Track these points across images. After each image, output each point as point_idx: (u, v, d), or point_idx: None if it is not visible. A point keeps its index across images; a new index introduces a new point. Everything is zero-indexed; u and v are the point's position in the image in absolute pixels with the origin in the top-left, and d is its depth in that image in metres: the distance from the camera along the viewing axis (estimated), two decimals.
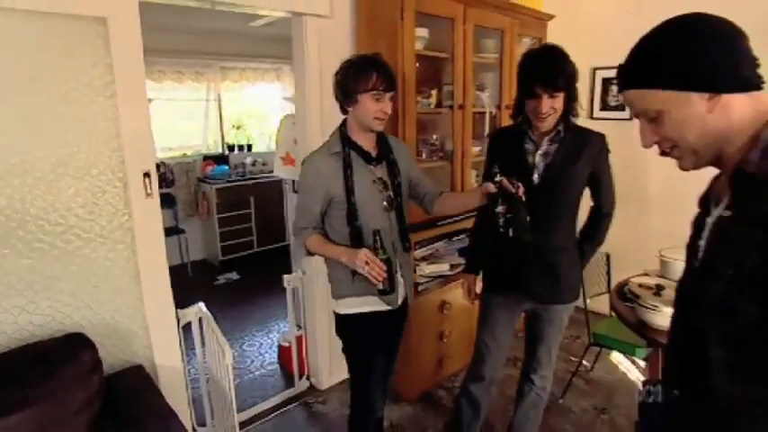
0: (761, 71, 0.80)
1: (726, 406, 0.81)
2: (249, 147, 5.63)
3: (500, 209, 1.54)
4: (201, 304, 2.21)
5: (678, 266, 2.30)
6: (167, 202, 4.66)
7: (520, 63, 1.76)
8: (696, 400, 0.86)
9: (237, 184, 5.04)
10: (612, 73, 3.63)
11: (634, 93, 0.87)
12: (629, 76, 0.87)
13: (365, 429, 1.92)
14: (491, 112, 2.95)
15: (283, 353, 3.10)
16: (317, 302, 2.70)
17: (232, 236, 5.01)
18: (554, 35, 3.34)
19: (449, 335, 2.79)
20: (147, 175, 1.92)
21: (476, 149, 2.92)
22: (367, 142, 1.73)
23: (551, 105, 1.65)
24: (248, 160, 5.36)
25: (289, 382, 2.91)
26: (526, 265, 1.81)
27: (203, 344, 2.27)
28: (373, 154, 1.74)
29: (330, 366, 2.84)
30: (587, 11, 3.52)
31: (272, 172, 5.26)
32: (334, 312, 1.85)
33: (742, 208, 0.79)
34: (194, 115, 5.29)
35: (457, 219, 2.76)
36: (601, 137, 1.81)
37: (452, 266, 2.76)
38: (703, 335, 0.82)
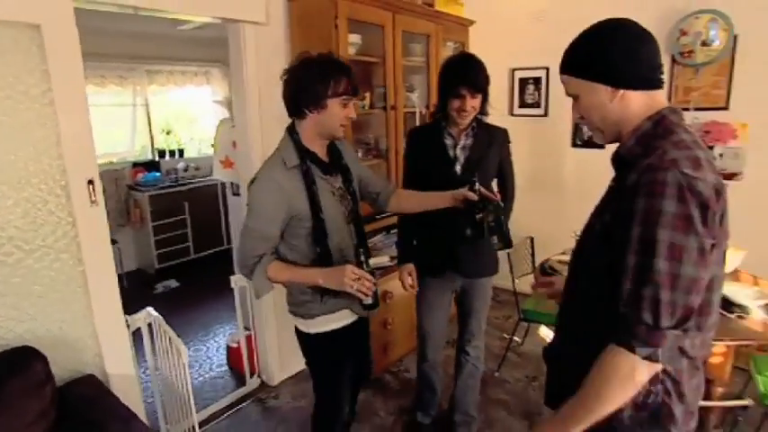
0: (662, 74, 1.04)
1: (583, 320, 1.10)
2: (181, 152, 5.50)
3: (480, 216, 1.70)
4: (150, 309, 2.23)
5: None
6: None
7: (443, 68, 1.97)
8: (572, 313, 1.16)
9: (171, 190, 4.92)
10: (528, 73, 3.96)
11: (564, 77, 1.10)
12: (563, 63, 1.10)
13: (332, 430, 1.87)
14: (421, 112, 3.16)
15: (232, 354, 3.13)
16: (264, 301, 2.77)
17: (168, 243, 4.90)
18: (475, 40, 3.62)
19: (392, 322, 2.96)
20: (90, 182, 1.92)
21: None
22: (321, 150, 1.62)
23: (473, 105, 1.89)
24: (180, 165, 5.24)
25: (240, 381, 2.95)
26: (458, 247, 2.03)
27: (154, 349, 2.28)
28: (327, 162, 1.64)
29: (280, 362, 2.93)
30: (504, 18, 3.83)
31: (206, 176, 5.25)
32: (301, 332, 1.74)
33: (617, 180, 1.06)
34: (120, 121, 5.09)
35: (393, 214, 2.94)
36: (504, 131, 2.11)
37: (392, 258, 2.93)
38: (579, 271, 1.11)
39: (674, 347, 0.95)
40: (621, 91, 1.00)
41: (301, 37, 2.59)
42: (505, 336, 3.37)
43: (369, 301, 1.54)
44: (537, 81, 3.85)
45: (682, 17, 2.98)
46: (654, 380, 1.00)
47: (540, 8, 3.71)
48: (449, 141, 2.02)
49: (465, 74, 1.88)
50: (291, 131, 1.59)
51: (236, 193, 3.20)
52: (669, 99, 3.25)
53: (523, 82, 3.90)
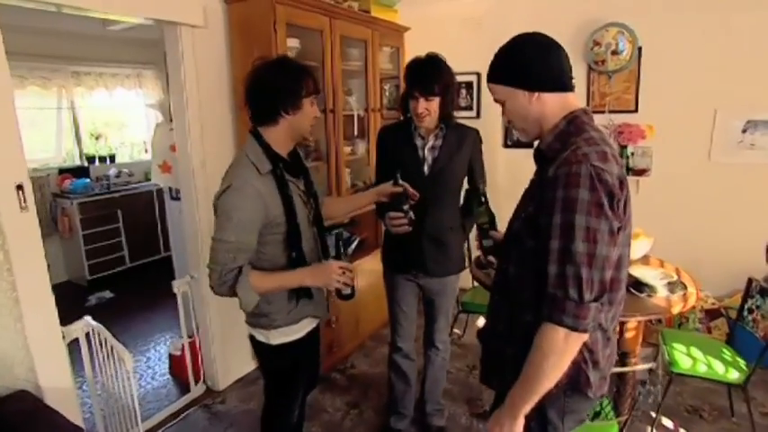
0: (573, 78, 1.20)
1: (514, 303, 1.23)
2: (112, 157, 5.28)
3: (407, 207, 1.82)
4: (88, 318, 2.17)
5: None
6: None
7: (406, 67, 2.02)
8: (500, 295, 1.30)
9: (102, 197, 4.71)
10: (461, 78, 4.14)
11: (491, 86, 1.23)
12: (489, 73, 1.23)
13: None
14: (359, 115, 3.25)
15: (175, 362, 3.07)
16: (208, 305, 2.75)
17: (100, 253, 4.68)
18: (410, 45, 3.76)
19: (336, 321, 3.03)
20: (20, 187, 1.85)
21: (347, 149, 3.20)
22: (285, 153, 1.59)
23: (426, 107, 1.94)
24: (112, 172, 5.02)
25: (184, 389, 2.90)
26: (424, 247, 2.11)
27: (93, 359, 2.22)
28: (292, 165, 1.62)
29: (225, 366, 2.91)
30: (437, 25, 4.01)
31: (140, 182, 5.08)
32: (261, 343, 1.68)
33: (538, 174, 1.21)
34: (42, 125, 4.81)
35: None
36: (475, 131, 2.17)
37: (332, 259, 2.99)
38: (509, 256, 1.24)
39: (596, 318, 1.09)
40: (537, 93, 1.15)
41: (241, 41, 2.61)
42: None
43: (347, 291, 1.56)
44: (469, 85, 4.06)
45: (595, 29, 3.27)
46: None
47: (471, 16, 3.92)
48: (419, 141, 2.07)
49: (418, 77, 1.93)
50: (258, 136, 1.54)
51: (175, 198, 3.14)
52: (588, 103, 3.55)
53: (458, 86, 4.09)
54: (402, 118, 2.15)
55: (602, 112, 3.45)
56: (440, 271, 2.19)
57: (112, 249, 4.80)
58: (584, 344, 1.14)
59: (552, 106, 1.16)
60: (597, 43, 3.23)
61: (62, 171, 4.73)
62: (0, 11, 1.81)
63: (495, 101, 1.25)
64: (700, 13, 3.11)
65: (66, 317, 2.19)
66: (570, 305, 1.06)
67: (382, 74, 3.47)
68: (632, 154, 3.45)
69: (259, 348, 1.72)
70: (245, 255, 1.48)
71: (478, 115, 4.09)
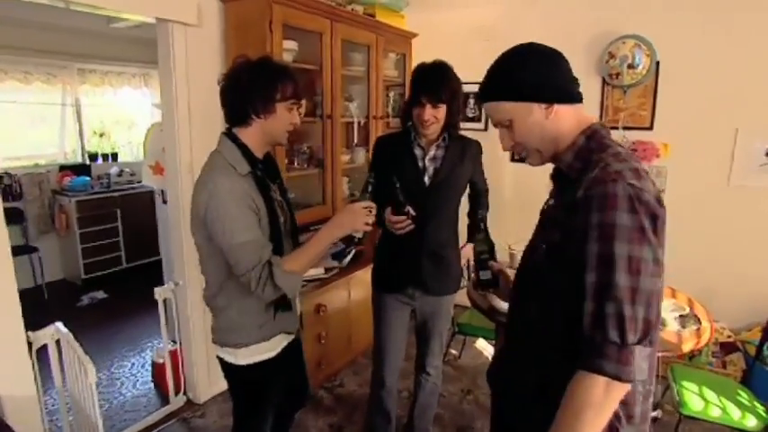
0: (581, 89, 1.07)
1: (537, 348, 1.06)
2: (114, 156, 5.23)
3: (407, 209, 1.70)
4: (59, 324, 2.06)
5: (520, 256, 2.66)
6: (14, 217, 4.16)
7: (412, 73, 1.92)
8: (520, 334, 1.13)
9: (101, 196, 4.66)
10: (470, 88, 4.04)
11: (490, 105, 1.08)
12: (485, 91, 1.09)
13: None
14: (359, 122, 3.13)
15: (157, 370, 2.95)
16: (191, 314, 2.64)
17: (97, 252, 4.62)
18: (418, 52, 3.64)
19: (326, 336, 2.89)
20: None
21: (345, 158, 3.08)
22: (260, 156, 1.53)
23: (434, 114, 1.82)
24: (113, 170, 4.98)
25: (164, 400, 2.79)
26: (423, 261, 1.98)
27: (62, 368, 2.11)
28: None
29: (209, 378, 2.79)
30: (445, 33, 3.89)
31: (140, 182, 5.00)
32: (227, 364, 1.59)
33: (559, 197, 1.05)
34: (47, 121, 4.79)
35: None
36: (477, 143, 2.08)
37: (327, 270, 2.87)
38: (527, 293, 1.08)
39: (640, 363, 0.91)
40: (555, 106, 1.02)
41: (236, 41, 2.51)
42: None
43: (362, 234, 1.51)
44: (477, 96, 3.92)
45: (610, 41, 3.11)
46: None
47: (481, 25, 3.79)
48: (418, 152, 1.96)
49: (425, 83, 1.82)
50: (234, 138, 1.47)
51: (166, 201, 3.04)
52: (601, 117, 3.38)
53: (465, 96, 3.95)
54: (402, 128, 2.03)
55: (616, 128, 3.28)
56: (438, 289, 2.06)
57: (109, 249, 4.73)
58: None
59: (568, 120, 1.04)
60: (612, 56, 3.07)
61: (62, 168, 4.69)
62: (4, 5, 1.70)
63: (496, 124, 1.09)
64: (722, 29, 2.94)
65: (57, 316, 2.12)
66: (612, 349, 0.89)
67: (387, 81, 3.36)
68: (646, 173, 3.26)
69: (227, 370, 1.62)
70: (267, 249, 1.42)
71: (486, 128, 3.95)
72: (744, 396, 2.18)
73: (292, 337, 1.68)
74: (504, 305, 2.15)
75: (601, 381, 0.90)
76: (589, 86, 3.35)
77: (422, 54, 3.77)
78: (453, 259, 2.10)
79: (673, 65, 3.08)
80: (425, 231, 1.94)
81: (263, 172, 1.51)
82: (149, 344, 3.50)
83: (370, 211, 1.47)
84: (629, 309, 0.89)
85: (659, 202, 0.94)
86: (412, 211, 1.74)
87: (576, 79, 1.06)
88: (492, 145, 4.15)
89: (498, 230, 3.64)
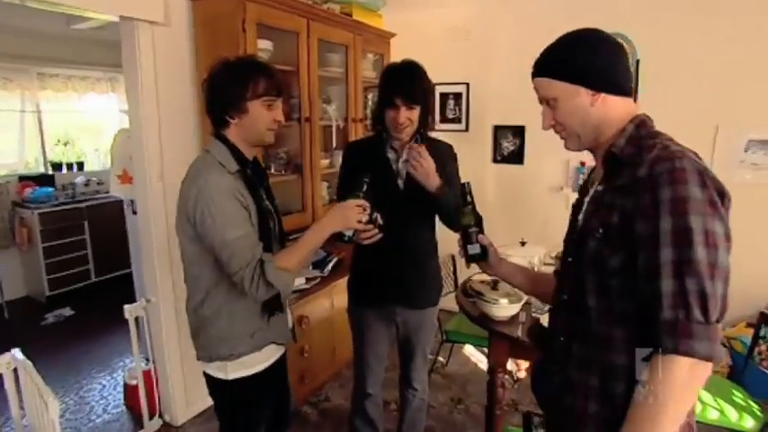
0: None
1: (600, 343, 0.99)
2: (80, 165, 4.99)
3: (374, 214, 1.59)
4: (16, 351, 1.88)
5: (510, 261, 2.59)
6: None
7: (382, 75, 1.84)
8: (578, 340, 1.05)
9: (67, 207, 4.42)
10: (449, 89, 3.95)
11: (540, 80, 1.07)
12: (539, 66, 1.07)
13: None
14: (338, 125, 3.02)
15: (130, 392, 2.77)
16: (165, 331, 2.48)
17: (62, 267, 4.37)
18: (396, 53, 3.55)
19: (309, 350, 2.76)
20: None
21: (324, 162, 2.96)
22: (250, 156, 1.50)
23: (408, 117, 1.74)
24: (79, 180, 4.74)
25: (138, 424, 2.61)
26: (405, 270, 1.88)
27: (21, 399, 1.93)
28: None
29: (186, 398, 2.63)
30: (424, 33, 3.82)
31: (108, 192, 4.77)
32: (217, 380, 1.51)
33: (609, 181, 1.01)
34: (5, 129, 4.52)
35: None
36: (449, 146, 1.99)
37: (308, 280, 2.75)
38: (583, 287, 1.01)
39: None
40: (602, 95, 1.01)
41: (207, 41, 2.37)
42: (429, 356, 3.27)
43: (353, 232, 1.49)
44: (457, 96, 3.86)
45: None
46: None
47: (458, 24, 3.73)
48: (392, 155, 1.87)
49: (399, 84, 1.74)
50: (223, 139, 1.44)
51: (136, 212, 2.87)
52: None
53: (444, 97, 3.89)
54: (373, 131, 1.93)
55: None
56: (423, 301, 1.97)
57: (76, 263, 4.49)
58: None
59: (616, 111, 1.03)
60: None
61: (23, 178, 4.43)
62: None
63: (541, 100, 1.09)
64: (702, 28, 2.95)
65: (20, 336, 1.93)
66: (698, 328, 0.84)
67: (365, 82, 3.25)
68: None
69: (214, 386, 1.54)
70: (259, 246, 1.39)
71: (467, 128, 3.89)
72: (738, 395, 2.15)
73: (283, 350, 1.62)
74: (496, 312, 2.08)
75: (685, 362, 0.85)
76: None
77: (400, 54, 3.65)
78: (435, 267, 2.03)
79: (653, 63, 3.08)
80: (405, 238, 1.85)
81: (253, 172, 1.48)
82: (121, 364, 3.31)
83: (364, 210, 1.45)
84: (709, 285, 0.84)
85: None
86: (380, 220, 1.63)
87: (632, 74, 1.06)
88: (473, 145, 4.09)
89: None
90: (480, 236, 1.35)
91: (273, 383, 1.61)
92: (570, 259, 1.08)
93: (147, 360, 2.62)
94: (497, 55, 3.63)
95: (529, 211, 3.66)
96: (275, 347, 1.56)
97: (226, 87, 1.39)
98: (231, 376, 1.48)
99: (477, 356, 3.35)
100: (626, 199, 0.94)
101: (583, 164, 3.39)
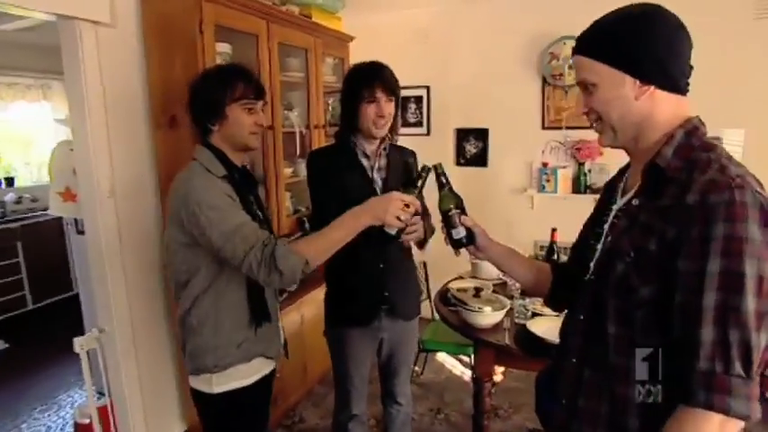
0: (690, 80, 0.90)
1: (614, 373, 0.90)
2: (10, 180, 4.56)
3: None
4: None
5: (486, 266, 2.56)
6: None
7: (350, 74, 1.74)
8: (590, 367, 0.95)
9: None
10: (409, 92, 3.91)
11: (581, 59, 0.93)
12: (582, 43, 0.93)
13: None
14: (301, 132, 2.89)
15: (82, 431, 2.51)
16: (124, 362, 2.26)
17: None
18: (356, 56, 3.46)
19: (280, 369, 2.60)
20: None
21: (288, 171, 2.83)
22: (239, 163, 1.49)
23: (389, 111, 1.67)
24: (9, 197, 4.33)
25: None
26: (388, 283, 1.79)
27: None
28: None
29: None
30: (383, 35, 3.76)
31: (46, 209, 4.38)
32: (203, 395, 1.46)
33: (650, 198, 0.89)
34: None
35: None
36: (413, 152, 1.93)
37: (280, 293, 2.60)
38: (603, 311, 0.91)
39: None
40: (652, 88, 0.87)
41: (159, 43, 2.18)
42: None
43: (396, 229, 1.34)
44: (418, 100, 3.83)
45: (551, 42, 3.13)
46: None
47: (418, 27, 3.70)
48: (366, 162, 1.76)
49: (378, 76, 1.65)
50: (208, 145, 1.43)
51: (81, 232, 2.62)
52: (543, 118, 3.40)
53: (405, 101, 3.84)
54: (337, 139, 1.82)
55: (559, 128, 3.31)
56: (409, 311, 1.89)
57: (10, 289, 4.09)
58: None
59: (664, 111, 0.89)
60: (555, 56, 3.09)
61: None
62: None
63: (579, 82, 0.95)
64: None
65: None
66: (737, 383, 0.76)
67: (326, 87, 3.14)
68: (589, 171, 3.33)
69: (200, 402, 1.49)
70: (263, 230, 1.34)
71: (429, 132, 3.86)
72: None
73: (272, 366, 1.56)
74: (480, 320, 2.02)
75: (716, 418, 0.77)
76: (529, 87, 3.37)
77: (359, 58, 3.59)
78: (415, 276, 1.99)
79: None
80: (385, 249, 1.75)
81: (242, 178, 1.45)
82: (68, 399, 3.01)
83: (408, 206, 1.31)
84: (755, 337, 0.76)
85: None
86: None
87: (691, 68, 0.90)
88: (436, 149, 4.07)
89: None
90: (463, 217, 1.26)
91: (257, 401, 1.53)
92: (592, 277, 0.98)
93: (101, 394, 2.38)
94: (458, 57, 3.63)
95: (493, 212, 3.67)
96: (264, 361, 1.51)
97: (204, 94, 1.38)
98: (216, 390, 1.43)
99: (450, 363, 3.31)
100: (668, 225, 0.83)
101: (545, 164, 3.43)
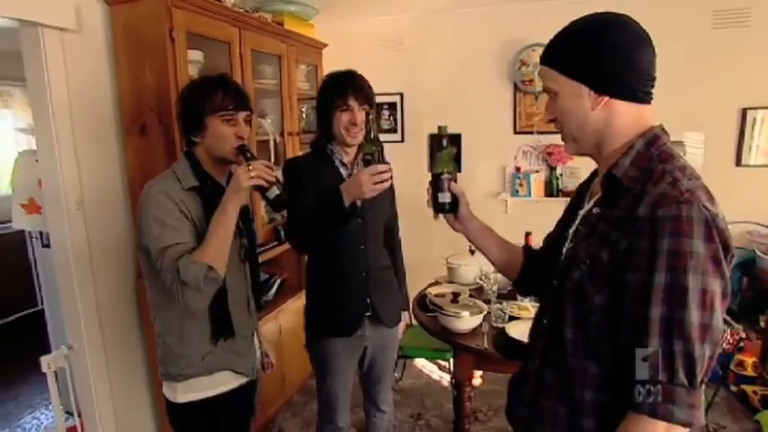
0: (654, 89, 0.92)
1: (571, 376, 0.93)
2: None
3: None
4: None
5: (463, 271, 2.58)
6: None
7: (324, 83, 1.75)
8: (550, 369, 0.98)
9: None
10: (383, 99, 3.92)
11: (544, 69, 0.96)
12: (544, 53, 0.97)
13: None
14: (275, 140, 2.87)
15: None
16: (95, 380, 2.17)
17: None
18: (329, 63, 3.46)
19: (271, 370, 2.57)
20: None
21: None
22: (220, 177, 1.46)
23: (362, 119, 1.67)
24: None
25: None
26: (371, 291, 1.79)
27: None
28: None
29: None
30: (357, 42, 3.77)
31: (7, 222, 4.20)
32: (169, 401, 1.47)
33: (608, 207, 0.90)
34: None
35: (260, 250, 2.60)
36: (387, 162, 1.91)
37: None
38: (562, 315, 0.94)
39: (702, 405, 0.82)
40: (606, 98, 0.88)
41: (128, 50, 2.13)
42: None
43: (275, 191, 1.34)
44: (392, 106, 3.84)
45: (521, 48, 3.20)
46: None
47: (391, 34, 3.72)
48: (344, 170, 1.76)
49: (351, 84, 1.68)
50: (189, 154, 1.43)
51: (46, 245, 2.52)
52: (514, 123, 3.46)
53: (379, 107, 3.85)
54: (313, 147, 1.83)
55: (531, 132, 3.38)
56: (392, 317, 1.89)
57: None
58: None
59: (623, 120, 0.90)
60: (525, 63, 3.16)
61: None
62: None
63: (545, 89, 0.98)
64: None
65: None
66: (680, 392, 0.78)
67: (299, 94, 3.13)
68: (561, 175, 3.40)
69: (168, 409, 1.50)
70: (183, 245, 1.31)
71: (403, 138, 3.88)
72: None
73: (243, 381, 1.52)
74: (458, 325, 2.04)
75: (661, 426, 0.79)
76: (501, 92, 3.43)
77: (333, 65, 3.55)
78: (394, 282, 1.97)
79: None
80: (366, 256, 1.78)
81: (213, 189, 1.41)
82: (34, 422, 2.88)
83: (257, 168, 1.30)
84: (698, 348, 0.78)
85: (727, 228, 0.83)
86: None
87: (653, 78, 0.91)
88: (410, 155, 4.08)
89: (427, 243, 3.60)
90: (453, 184, 1.23)
91: (229, 415, 1.49)
92: (555, 282, 0.99)
93: (70, 414, 2.29)
94: (431, 64, 3.66)
95: None
96: (231, 375, 1.47)
97: (185, 105, 1.39)
98: (180, 399, 1.43)
99: (429, 368, 3.32)
100: (621, 236, 0.85)
101: (518, 169, 3.50)
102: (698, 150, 3.14)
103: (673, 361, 0.78)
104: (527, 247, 1.28)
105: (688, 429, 0.81)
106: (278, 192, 1.34)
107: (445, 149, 1.26)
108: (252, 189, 1.32)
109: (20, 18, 1.83)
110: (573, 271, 0.92)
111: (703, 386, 0.81)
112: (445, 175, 1.22)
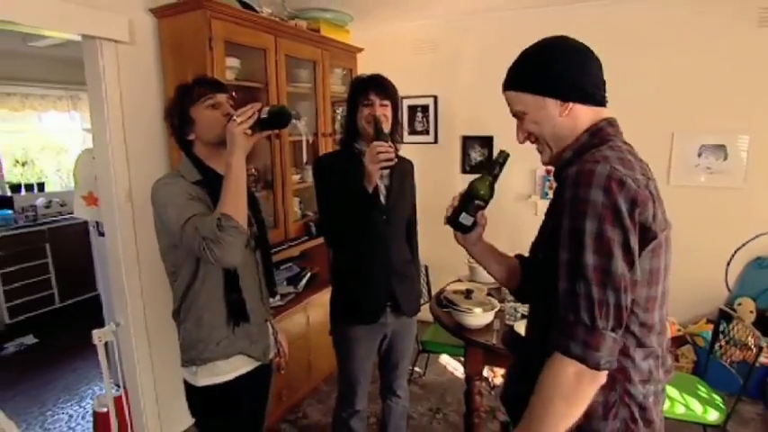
0: (606, 92, 1.03)
1: (539, 358, 0.98)
2: (41, 186, 4.83)
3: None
4: None
5: (482, 270, 2.64)
6: None
7: (351, 85, 1.92)
8: (531, 354, 1.05)
9: (27, 230, 4.26)
10: (417, 101, 4.01)
11: (509, 94, 1.06)
12: (508, 79, 1.06)
13: None
14: (308, 140, 3.03)
15: (100, 420, 2.67)
16: (137, 355, 2.42)
17: (23, 292, 4.20)
18: (364, 67, 3.59)
19: (285, 367, 2.73)
20: None
21: (296, 177, 2.97)
22: (222, 169, 1.46)
23: (383, 112, 1.80)
24: (40, 201, 4.58)
25: None
26: (393, 283, 1.90)
27: None
28: None
29: (160, 425, 2.56)
30: (391, 47, 3.89)
31: (72, 213, 4.62)
32: (190, 386, 1.54)
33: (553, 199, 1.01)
34: None
35: (282, 247, 2.77)
36: (410, 162, 2.06)
37: (283, 296, 2.73)
38: (538, 297, 1.06)
39: (613, 354, 0.88)
40: (570, 104, 0.99)
41: (174, 59, 2.35)
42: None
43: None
44: (425, 109, 3.93)
45: None
46: (617, 403, 0.95)
47: (425, 38, 3.81)
48: None
49: (371, 81, 1.83)
50: (189, 153, 1.51)
51: (102, 233, 2.80)
52: None
53: (412, 110, 3.96)
54: (341, 147, 1.97)
55: None
56: (412, 308, 2.01)
57: (39, 288, 4.33)
58: (633, 397, 0.95)
59: (584, 120, 1.01)
60: None
61: None
62: None
63: (514, 114, 1.08)
64: (644, 45, 3.10)
65: None
66: (580, 330, 0.86)
67: (334, 97, 3.28)
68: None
69: (189, 393, 1.56)
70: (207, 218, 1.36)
71: (436, 140, 3.95)
72: (702, 389, 2.24)
73: (256, 365, 1.59)
74: (471, 321, 2.11)
75: (570, 367, 0.87)
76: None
77: (368, 69, 3.68)
78: (416, 277, 2.08)
79: (609, 74, 3.20)
80: (390, 250, 1.90)
81: (216, 180, 1.43)
82: (89, 391, 3.20)
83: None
84: (597, 290, 0.86)
85: (651, 192, 0.91)
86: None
87: (604, 82, 1.02)
88: (442, 157, 4.12)
89: (452, 243, 3.66)
90: (481, 212, 1.24)
91: (246, 397, 1.58)
92: (529, 266, 1.11)
93: (118, 386, 2.55)
94: (464, 67, 3.72)
95: (498, 219, 3.68)
96: (245, 359, 1.55)
97: (171, 111, 1.49)
98: (200, 383, 1.50)
99: (453, 365, 3.38)
100: (555, 204, 0.96)
101: (548, 172, 3.50)
102: (742, 154, 3.03)
103: (576, 300, 0.87)
104: (521, 257, 1.35)
105: (599, 375, 0.87)
106: (265, 114, 1.37)
107: (492, 175, 1.23)
108: (247, 133, 1.36)
109: (83, 34, 2.08)
110: (536, 253, 1.03)
111: (617, 336, 0.87)
112: (479, 202, 1.23)
